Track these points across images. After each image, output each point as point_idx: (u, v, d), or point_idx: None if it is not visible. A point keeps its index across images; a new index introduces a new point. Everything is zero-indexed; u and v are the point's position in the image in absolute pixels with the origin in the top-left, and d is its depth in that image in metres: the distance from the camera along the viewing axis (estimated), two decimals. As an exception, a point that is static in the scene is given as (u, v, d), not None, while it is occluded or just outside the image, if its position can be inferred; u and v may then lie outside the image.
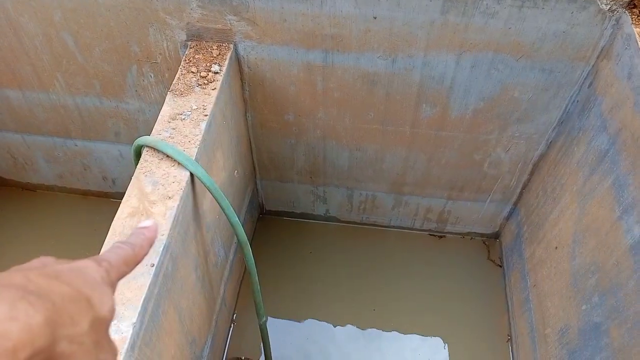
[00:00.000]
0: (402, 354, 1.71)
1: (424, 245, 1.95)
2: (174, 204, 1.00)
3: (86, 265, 0.43)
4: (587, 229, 1.25)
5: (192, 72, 1.25)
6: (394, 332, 1.75)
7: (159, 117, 1.16)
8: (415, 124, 1.49)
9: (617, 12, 1.14)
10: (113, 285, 0.44)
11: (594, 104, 1.26)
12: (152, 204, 1.00)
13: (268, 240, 1.95)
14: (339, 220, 1.98)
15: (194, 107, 1.18)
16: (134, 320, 0.85)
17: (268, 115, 1.54)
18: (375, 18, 1.22)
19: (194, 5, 1.25)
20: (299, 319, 1.78)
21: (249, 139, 1.64)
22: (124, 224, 0.98)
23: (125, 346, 0.83)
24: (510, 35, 1.21)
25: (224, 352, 1.67)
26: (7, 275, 0.37)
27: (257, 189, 1.87)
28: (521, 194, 1.69)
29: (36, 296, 0.35)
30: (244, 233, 1.18)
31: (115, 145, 1.76)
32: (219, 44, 1.33)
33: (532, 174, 1.61)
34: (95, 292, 0.40)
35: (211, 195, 1.10)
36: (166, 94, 1.21)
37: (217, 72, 1.26)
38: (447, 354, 1.71)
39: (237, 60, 1.36)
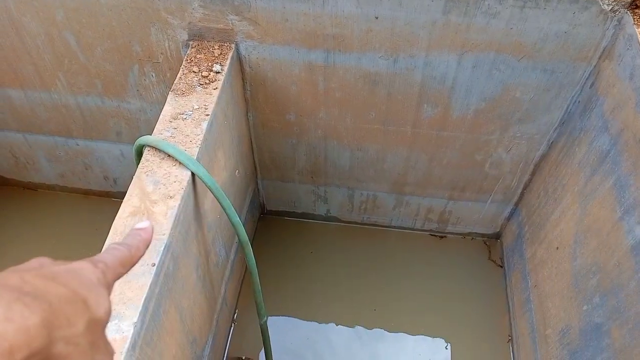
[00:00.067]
0: (403, 355, 1.71)
1: (424, 245, 1.95)
2: (175, 203, 1.00)
3: (82, 266, 0.43)
4: (589, 229, 1.25)
5: (193, 71, 1.26)
6: (395, 332, 1.75)
7: (161, 116, 1.16)
8: (416, 124, 1.49)
9: (619, 12, 1.14)
10: (109, 287, 0.45)
11: (596, 104, 1.26)
12: (154, 204, 1.00)
13: (269, 240, 1.95)
14: (339, 220, 1.98)
15: (196, 106, 1.18)
16: (135, 319, 0.85)
17: (269, 115, 1.54)
18: (377, 18, 1.22)
19: (196, 5, 1.25)
20: (299, 318, 1.78)
21: (250, 138, 1.64)
22: (125, 223, 0.98)
23: (127, 346, 0.83)
24: (511, 36, 1.21)
25: (225, 351, 1.67)
26: (3, 276, 0.37)
27: (258, 189, 1.87)
28: (522, 194, 1.69)
29: (32, 297, 0.35)
30: (245, 233, 1.18)
31: (117, 144, 1.77)
32: (221, 43, 1.33)
33: (533, 174, 1.61)
34: (92, 293, 0.40)
35: (212, 195, 1.10)
36: (167, 94, 1.21)
37: (218, 72, 1.26)
38: (448, 355, 1.71)
39: (239, 60, 1.36)
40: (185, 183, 1.03)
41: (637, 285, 1.03)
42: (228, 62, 1.29)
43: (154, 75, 1.47)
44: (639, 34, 1.10)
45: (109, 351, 0.41)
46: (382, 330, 1.75)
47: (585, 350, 1.21)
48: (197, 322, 1.27)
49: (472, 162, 1.60)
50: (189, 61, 1.28)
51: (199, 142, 1.11)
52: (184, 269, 1.10)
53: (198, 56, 1.29)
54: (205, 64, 1.27)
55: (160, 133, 1.13)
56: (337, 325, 1.76)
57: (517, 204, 1.75)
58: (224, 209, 1.11)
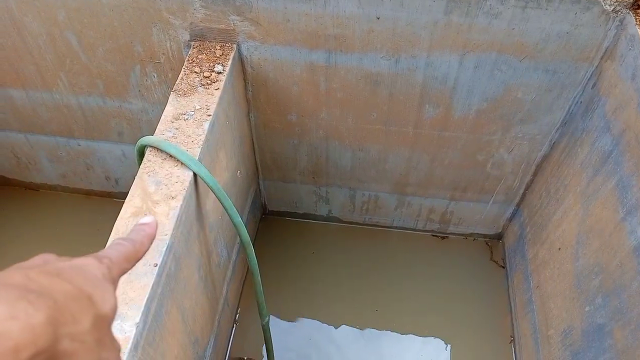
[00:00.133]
0: (404, 355, 1.71)
1: (426, 246, 1.95)
2: (177, 204, 1.00)
3: (87, 262, 0.42)
4: (591, 230, 1.25)
5: (195, 72, 1.26)
6: (396, 332, 1.75)
7: (162, 117, 1.16)
8: (418, 125, 1.49)
9: (621, 12, 1.14)
10: (115, 282, 0.44)
11: (598, 104, 1.26)
12: (155, 204, 1.00)
13: (270, 240, 1.95)
14: (341, 221, 1.98)
15: (197, 107, 1.18)
16: (137, 320, 0.85)
17: (271, 116, 1.54)
18: (378, 18, 1.22)
19: (197, 5, 1.25)
20: (301, 319, 1.77)
21: (252, 139, 1.64)
22: (127, 223, 0.98)
23: (129, 346, 0.83)
24: (513, 36, 1.21)
25: (227, 352, 1.67)
26: (8, 273, 0.37)
27: (259, 189, 1.87)
28: (524, 194, 1.69)
29: (37, 295, 0.35)
30: (247, 233, 1.18)
31: (119, 145, 1.77)
32: (222, 44, 1.33)
33: (535, 174, 1.60)
34: (97, 289, 0.40)
35: (214, 196, 1.10)
36: (169, 94, 1.21)
37: (220, 72, 1.26)
38: (450, 355, 1.70)
39: (240, 60, 1.36)
40: (187, 183, 1.03)
41: (639, 286, 1.03)
42: (230, 62, 1.28)
43: (155, 75, 1.47)
44: (641, 34, 1.10)
45: (115, 347, 0.41)
46: (384, 330, 1.75)
47: (588, 351, 1.20)
48: (199, 323, 1.27)
49: (473, 162, 1.60)
50: (190, 61, 1.28)
51: (201, 143, 1.11)
52: (186, 269, 1.10)
53: (200, 56, 1.29)
54: (207, 65, 1.27)
55: (162, 133, 1.13)
56: (338, 325, 1.76)
57: (519, 205, 1.74)
58: (225, 209, 1.11)
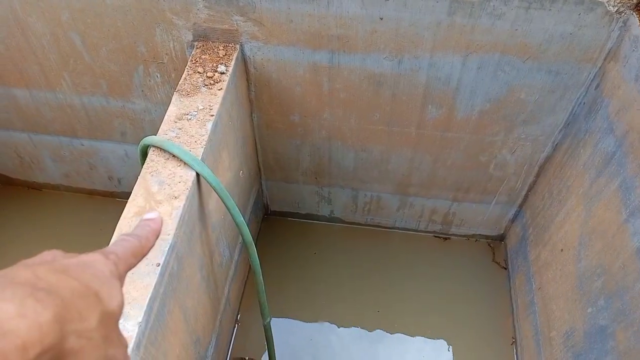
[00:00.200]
0: (406, 356, 1.71)
1: (428, 247, 1.95)
2: (180, 203, 1.00)
3: (94, 258, 0.43)
4: (593, 231, 1.25)
5: (198, 72, 1.26)
6: (398, 333, 1.75)
7: (165, 117, 1.16)
8: (421, 125, 1.49)
9: (625, 14, 1.14)
10: (121, 278, 0.44)
11: (601, 106, 1.26)
12: (158, 204, 1.00)
13: (272, 240, 1.95)
14: (343, 222, 1.98)
15: (200, 107, 1.18)
16: (140, 319, 0.85)
17: (274, 116, 1.54)
18: (381, 19, 1.22)
19: (201, 5, 1.25)
20: (303, 319, 1.77)
21: (255, 139, 1.64)
22: (130, 223, 0.98)
23: (131, 345, 0.83)
24: (517, 37, 1.21)
25: (228, 352, 1.67)
26: (15, 271, 0.37)
27: (262, 190, 1.87)
28: (527, 196, 1.69)
29: (44, 293, 0.35)
30: (249, 233, 1.18)
31: (121, 145, 1.77)
32: (226, 44, 1.33)
33: (537, 176, 1.60)
34: (104, 286, 0.40)
35: (217, 195, 1.10)
36: (172, 94, 1.21)
37: (223, 73, 1.26)
38: (451, 356, 1.70)
39: (244, 60, 1.37)
40: (190, 183, 1.04)
41: (642, 287, 1.03)
42: (233, 62, 1.29)
43: (158, 75, 1.47)
44: (644, 35, 1.10)
45: (122, 343, 0.41)
46: (386, 331, 1.75)
47: (590, 352, 1.20)
48: (200, 322, 1.27)
49: (476, 163, 1.60)
50: (193, 62, 1.28)
51: (204, 143, 1.11)
52: (189, 269, 1.10)
53: (203, 57, 1.30)
54: (210, 65, 1.28)
55: (165, 133, 1.13)
56: (340, 326, 1.76)
57: (521, 206, 1.74)
58: (228, 209, 1.11)
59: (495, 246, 1.94)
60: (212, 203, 1.22)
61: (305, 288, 1.84)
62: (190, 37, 1.33)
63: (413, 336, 1.74)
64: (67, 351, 0.35)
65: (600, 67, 1.25)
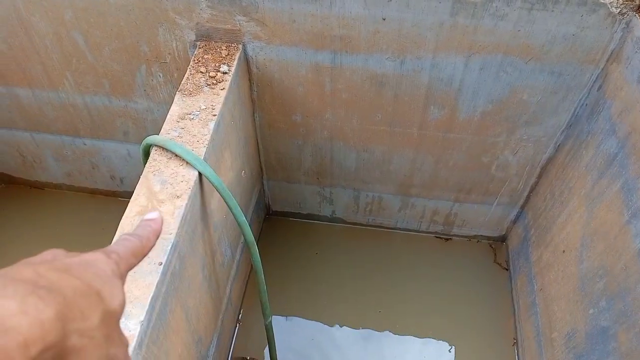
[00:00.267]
0: (407, 356, 1.70)
1: (430, 247, 1.95)
2: (182, 203, 1.01)
3: (96, 257, 0.43)
4: (595, 232, 1.25)
5: (201, 72, 1.26)
6: (399, 334, 1.75)
7: (168, 116, 1.16)
8: (423, 126, 1.49)
9: (628, 15, 1.14)
10: (123, 277, 0.45)
11: (603, 107, 1.26)
12: (161, 203, 1.00)
13: (274, 240, 1.95)
14: (345, 222, 1.98)
15: (203, 107, 1.18)
16: (142, 318, 0.86)
17: (276, 116, 1.54)
18: (384, 19, 1.22)
19: (204, 5, 1.26)
20: (304, 319, 1.78)
21: (257, 139, 1.64)
22: (132, 222, 0.98)
23: (133, 344, 0.83)
24: (519, 38, 1.21)
25: (230, 351, 1.67)
26: (18, 269, 0.37)
27: (263, 190, 1.87)
28: (528, 197, 1.69)
29: (46, 290, 0.35)
30: (251, 233, 1.18)
31: (124, 144, 1.77)
32: (228, 44, 1.33)
33: (540, 177, 1.60)
34: (106, 285, 0.40)
35: (219, 195, 1.10)
36: (175, 94, 1.21)
37: (225, 73, 1.26)
38: (453, 357, 1.70)
39: (246, 60, 1.37)
40: (192, 183, 1.04)
41: (644, 289, 1.03)
42: (235, 62, 1.29)
43: (161, 75, 1.47)
44: (647, 36, 1.10)
45: (123, 343, 0.42)
46: (387, 332, 1.75)
47: (591, 354, 1.20)
48: (202, 322, 1.27)
49: (478, 164, 1.60)
50: (196, 61, 1.29)
51: (206, 142, 1.11)
52: (191, 268, 1.10)
53: (205, 56, 1.30)
54: (213, 65, 1.28)
55: (168, 133, 1.13)
56: (341, 326, 1.76)
57: (523, 207, 1.74)
58: (230, 208, 1.11)
59: (497, 247, 1.94)
60: (214, 203, 1.22)
61: (306, 288, 1.84)
62: (193, 37, 1.33)
63: (414, 337, 1.74)
64: (68, 350, 0.35)
65: (602, 69, 1.25)
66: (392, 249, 1.94)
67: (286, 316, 1.77)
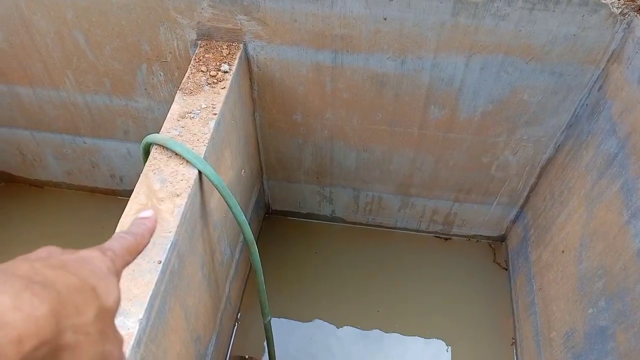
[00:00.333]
0: (406, 356, 1.71)
1: (429, 247, 1.95)
2: (182, 201, 1.01)
3: (92, 254, 0.43)
4: (595, 232, 1.25)
5: (201, 71, 1.26)
6: (399, 333, 1.75)
7: (168, 115, 1.16)
8: (423, 126, 1.49)
9: (629, 15, 1.14)
10: (118, 275, 0.45)
11: (604, 107, 1.26)
12: (160, 201, 1.00)
13: (274, 239, 1.95)
14: (344, 221, 1.98)
15: (203, 105, 1.18)
16: (141, 316, 0.86)
17: (276, 115, 1.54)
18: (385, 19, 1.22)
19: (205, 4, 1.26)
20: (303, 318, 1.78)
21: (257, 138, 1.64)
22: (131, 221, 0.98)
23: (132, 342, 0.83)
24: (520, 38, 1.21)
25: (228, 350, 1.67)
26: (13, 264, 0.37)
27: (263, 189, 1.88)
28: (528, 197, 1.69)
29: (41, 286, 0.35)
30: (251, 232, 1.18)
31: (124, 143, 1.77)
32: (229, 43, 1.33)
33: (539, 177, 1.60)
34: (101, 282, 0.40)
35: (219, 194, 1.10)
36: (175, 93, 1.22)
37: (226, 72, 1.26)
38: (451, 356, 1.70)
39: (247, 59, 1.37)
40: (192, 181, 1.04)
41: (643, 289, 1.03)
42: (236, 61, 1.29)
43: (162, 74, 1.47)
44: (648, 37, 1.10)
45: (118, 340, 0.41)
46: (386, 331, 1.75)
47: (590, 353, 1.20)
48: (201, 321, 1.27)
49: (478, 164, 1.60)
50: (197, 60, 1.29)
51: (206, 141, 1.11)
52: (190, 267, 1.10)
53: (206, 56, 1.30)
54: (214, 64, 1.28)
55: (168, 131, 1.13)
56: (340, 325, 1.76)
57: (522, 207, 1.74)
58: (230, 207, 1.11)
59: (496, 247, 1.94)
60: (214, 201, 1.22)
61: (305, 287, 1.84)
62: (194, 36, 1.33)
63: (413, 336, 1.74)
64: (63, 346, 0.35)
65: (603, 69, 1.25)
66: (391, 248, 1.94)
67: (285, 315, 1.77)
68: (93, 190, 2.05)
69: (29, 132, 1.80)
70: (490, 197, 1.73)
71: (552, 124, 1.42)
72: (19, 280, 0.35)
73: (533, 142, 1.49)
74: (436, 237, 1.97)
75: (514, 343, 1.71)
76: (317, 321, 1.77)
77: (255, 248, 1.23)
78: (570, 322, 1.31)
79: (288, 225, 1.99)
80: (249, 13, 1.26)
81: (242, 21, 1.28)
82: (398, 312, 1.79)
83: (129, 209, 1.00)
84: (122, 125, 1.69)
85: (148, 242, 0.52)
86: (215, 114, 1.17)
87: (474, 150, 1.55)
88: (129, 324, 0.85)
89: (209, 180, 1.06)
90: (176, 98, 1.20)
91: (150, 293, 0.88)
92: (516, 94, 1.35)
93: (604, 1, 1.12)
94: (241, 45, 1.32)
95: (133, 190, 1.03)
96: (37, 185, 2.07)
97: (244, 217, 1.14)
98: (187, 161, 1.06)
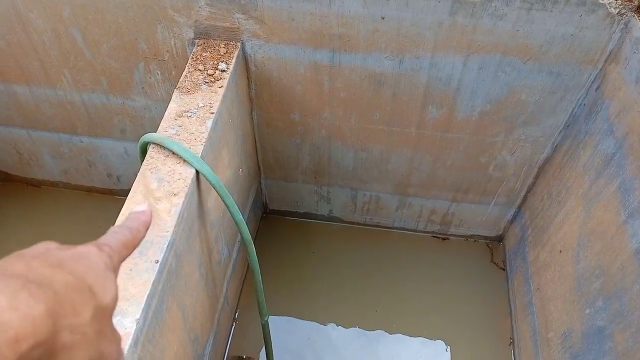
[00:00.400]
0: (404, 356, 1.70)
1: (427, 247, 1.95)
2: (179, 200, 1.00)
3: (88, 250, 0.42)
4: (592, 232, 1.25)
5: (199, 69, 1.26)
6: (396, 333, 1.75)
7: (166, 114, 1.16)
8: (421, 125, 1.49)
9: (626, 15, 1.14)
10: (115, 270, 0.44)
11: (601, 107, 1.26)
12: (158, 201, 1.00)
13: (271, 239, 1.95)
14: (342, 221, 1.98)
15: (201, 104, 1.18)
16: (138, 316, 0.85)
17: (274, 114, 1.54)
18: (383, 18, 1.22)
19: (203, 3, 1.25)
20: (301, 318, 1.77)
21: (254, 137, 1.64)
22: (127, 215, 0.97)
23: (129, 342, 0.83)
24: (518, 38, 1.21)
25: (226, 350, 1.67)
26: (9, 263, 0.37)
27: (261, 188, 1.87)
28: (526, 197, 1.69)
29: (37, 286, 0.34)
30: (248, 231, 1.18)
31: (121, 142, 1.77)
32: (227, 42, 1.33)
33: (537, 177, 1.60)
34: (98, 279, 0.40)
35: (216, 193, 1.10)
36: (173, 92, 1.21)
37: (224, 70, 1.26)
38: (449, 356, 1.70)
39: (244, 58, 1.37)
40: (189, 181, 1.03)
41: (641, 289, 1.03)
42: (234, 60, 1.29)
43: (159, 73, 1.47)
44: (645, 37, 1.10)
45: (115, 338, 0.41)
46: (384, 331, 1.75)
47: (588, 353, 1.20)
48: (198, 320, 1.27)
49: (476, 164, 1.60)
50: (194, 59, 1.28)
51: (204, 140, 1.11)
52: (187, 266, 1.10)
53: (204, 54, 1.30)
54: (211, 63, 1.27)
55: (165, 130, 1.13)
56: (338, 325, 1.76)
57: (520, 207, 1.74)
58: (227, 206, 1.11)
59: (494, 247, 1.94)
60: (211, 201, 1.22)
61: (303, 287, 1.84)
62: (192, 35, 1.33)
63: (411, 336, 1.74)
64: (59, 346, 0.35)
65: (601, 69, 1.25)
66: (389, 248, 1.94)
67: (283, 315, 1.77)
68: (90, 190, 2.04)
69: (26, 130, 1.80)
70: (488, 197, 1.73)
71: (549, 123, 1.42)
72: (16, 279, 0.34)
73: (531, 142, 1.49)
74: (434, 237, 1.97)
75: (512, 343, 1.71)
76: (315, 321, 1.77)
77: (252, 247, 1.22)
78: (568, 322, 1.32)
79: (285, 224, 1.99)
80: (247, 12, 1.25)
81: (240, 20, 1.27)
82: (396, 312, 1.79)
83: (126, 208, 0.99)
84: (119, 124, 1.69)
85: (144, 235, 0.52)
86: (212, 113, 1.16)
87: (471, 150, 1.55)
88: (126, 323, 0.84)
89: (207, 179, 1.06)
90: (173, 97, 1.20)
91: (148, 292, 0.88)
92: (514, 93, 1.35)
93: (601, 1, 1.12)
94: (239, 44, 1.32)
95: (130, 189, 1.02)
96: (34, 185, 2.07)
97: (241, 217, 1.14)
98: (185, 160, 1.06)
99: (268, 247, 1.90)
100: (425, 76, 1.34)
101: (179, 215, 0.99)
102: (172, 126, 1.14)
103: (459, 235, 1.95)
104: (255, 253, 1.24)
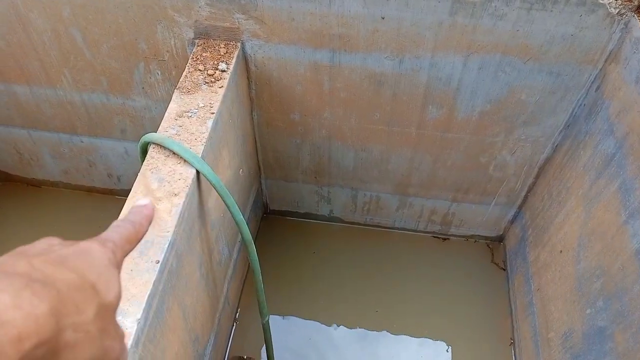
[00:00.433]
0: (404, 356, 1.70)
1: (427, 247, 1.95)
2: (179, 201, 1.00)
3: (91, 247, 0.42)
4: (593, 233, 1.25)
5: (199, 70, 1.26)
6: (396, 333, 1.75)
7: (166, 114, 1.16)
8: (421, 125, 1.49)
9: (626, 15, 1.14)
10: (119, 266, 0.44)
11: (601, 107, 1.26)
12: (158, 201, 1.00)
13: (271, 239, 1.95)
14: (342, 221, 1.98)
15: (201, 104, 1.18)
16: (139, 316, 0.85)
17: (274, 115, 1.54)
18: (383, 18, 1.22)
19: (203, 3, 1.25)
20: (301, 318, 1.77)
21: (255, 137, 1.64)
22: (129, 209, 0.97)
23: (130, 342, 0.83)
24: (518, 38, 1.21)
25: (226, 350, 1.67)
26: (12, 261, 0.37)
27: (261, 188, 1.87)
28: (526, 197, 1.69)
29: (41, 284, 0.34)
30: (249, 231, 1.18)
31: (121, 142, 1.77)
32: (227, 42, 1.33)
33: (537, 177, 1.60)
34: (102, 277, 0.39)
35: (217, 193, 1.10)
36: (173, 92, 1.21)
37: (224, 71, 1.26)
38: (450, 357, 1.70)
39: (245, 58, 1.37)
40: (189, 181, 1.03)
41: (641, 289, 1.03)
42: (234, 60, 1.29)
43: (159, 73, 1.47)
44: (646, 37, 1.10)
45: (119, 335, 0.41)
46: (384, 331, 1.75)
47: (588, 354, 1.20)
48: (199, 320, 1.27)
49: (476, 164, 1.60)
50: (194, 59, 1.28)
51: (204, 140, 1.11)
52: (188, 266, 1.10)
53: (204, 54, 1.30)
54: (211, 63, 1.27)
55: (166, 131, 1.13)
56: (338, 325, 1.76)
57: (520, 207, 1.74)
58: (227, 207, 1.11)
59: (494, 247, 1.94)
60: (212, 201, 1.22)
61: (303, 287, 1.84)
62: (192, 35, 1.33)
63: (411, 336, 1.74)
64: (63, 345, 0.35)
65: (601, 69, 1.25)
66: (389, 248, 1.94)
67: (283, 315, 1.77)
68: (90, 190, 2.04)
69: (26, 130, 1.80)
70: (488, 197, 1.73)
71: (549, 123, 1.42)
72: (19, 278, 0.34)
73: (531, 142, 1.49)
74: (434, 237, 1.97)
75: (512, 343, 1.71)
76: (316, 321, 1.77)
77: (253, 248, 1.22)
78: (569, 322, 1.32)
79: (286, 225, 1.99)
80: (247, 12, 1.25)
81: (240, 20, 1.27)
82: (396, 312, 1.79)
83: (126, 209, 0.99)
84: (119, 124, 1.69)
85: (147, 230, 0.52)
86: (212, 113, 1.16)
87: (471, 150, 1.55)
88: (127, 323, 0.85)
89: (207, 179, 1.06)
90: (174, 97, 1.20)
91: (149, 293, 0.88)
92: (514, 93, 1.35)
93: (601, 1, 1.12)
94: (239, 44, 1.32)
95: (130, 189, 1.02)
96: (34, 185, 2.07)
97: (241, 217, 1.14)
98: (185, 160, 1.06)
99: (268, 247, 1.90)
100: (425, 76, 1.34)
101: (180, 215, 0.99)
102: (173, 126, 1.14)
103: (460, 236, 1.95)
104: (255, 253, 1.24)
